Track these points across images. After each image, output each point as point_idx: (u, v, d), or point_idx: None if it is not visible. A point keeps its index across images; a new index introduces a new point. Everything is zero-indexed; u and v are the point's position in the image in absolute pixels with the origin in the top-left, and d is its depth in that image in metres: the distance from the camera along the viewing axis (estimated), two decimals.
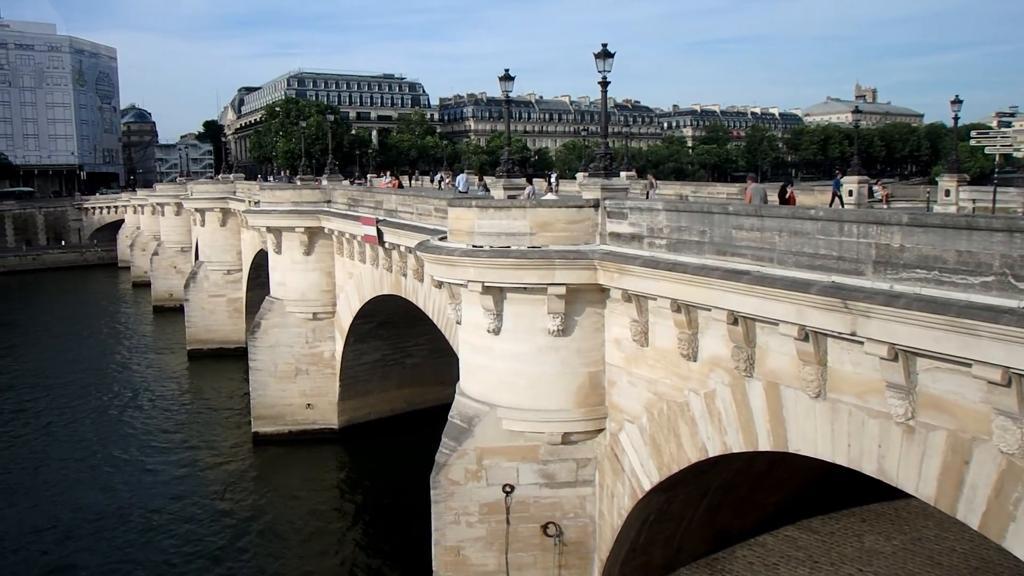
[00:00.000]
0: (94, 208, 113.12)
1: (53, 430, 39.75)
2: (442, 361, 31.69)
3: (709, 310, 13.23)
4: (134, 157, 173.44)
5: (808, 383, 11.65)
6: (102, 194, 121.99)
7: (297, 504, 30.04)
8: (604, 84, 18.90)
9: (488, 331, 16.97)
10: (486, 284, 16.46)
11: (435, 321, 26.09)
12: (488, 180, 47.52)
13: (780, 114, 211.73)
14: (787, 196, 24.98)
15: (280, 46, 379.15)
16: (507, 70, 24.14)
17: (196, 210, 57.75)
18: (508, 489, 16.99)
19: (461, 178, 44.97)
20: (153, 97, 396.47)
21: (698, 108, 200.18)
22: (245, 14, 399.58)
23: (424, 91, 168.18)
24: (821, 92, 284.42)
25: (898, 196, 33.36)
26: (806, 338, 11.36)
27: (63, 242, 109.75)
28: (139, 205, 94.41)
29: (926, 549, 17.89)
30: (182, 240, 71.53)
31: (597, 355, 16.71)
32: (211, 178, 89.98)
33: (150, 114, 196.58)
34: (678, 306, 13.91)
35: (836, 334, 10.85)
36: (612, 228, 16.08)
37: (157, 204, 78.82)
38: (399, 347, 36.55)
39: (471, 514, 17.30)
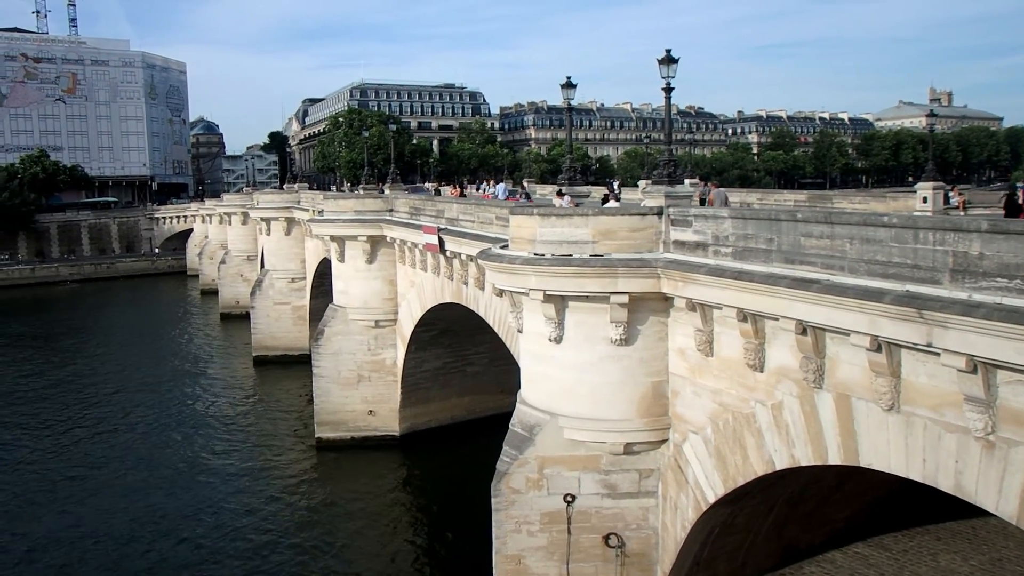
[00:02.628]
0: (164, 218, 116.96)
1: (124, 431, 41.11)
2: (503, 369, 31.80)
3: (776, 320, 12.95)
4: (202, 168, 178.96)
5: (881, 395, 11.30)
6: (172, 204, 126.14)
7: (358, 509, 30.42)
8: (668, 90, 18.72)
9: (549, 339, 16.93)
10: (548, 292, 16.43)
11: (496, 329, 26.17)
12: (547, 189, 47.54)
13: (850, 119, 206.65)
14: (1020, 204, 21.34)
15: (343, 57, 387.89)
16: (569, 78, 24.22)
17: (262, 219, 59.21)
18: (569, 499, 16.90)
19: (500, 187, 45.09)
20: (220, 109, 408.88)
21: (764, 114, 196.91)
22: (310, 27, 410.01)
23: (484, 100, 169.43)
24: (893, 96, 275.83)
25: (976, 203, 32.14)
26: (879, 349, 11.03)
27: (142, 251, 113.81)
28: (207, 215, 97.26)
29: (1006, 570, 17.17)
30: (248, 249, 73.39)
31: (660, 364, 16.51)
32: (276, 188, 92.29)
33: (218, 126, 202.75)
34: (744, 315, 13.65)
35: (911, 345, 10.50)
36: (676, 236, 15.89)
37: (224, 214, 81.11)
38: (460, 355, 36.77)
39: (532, 523, 17.25)
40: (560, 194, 24.01)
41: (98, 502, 31.76)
